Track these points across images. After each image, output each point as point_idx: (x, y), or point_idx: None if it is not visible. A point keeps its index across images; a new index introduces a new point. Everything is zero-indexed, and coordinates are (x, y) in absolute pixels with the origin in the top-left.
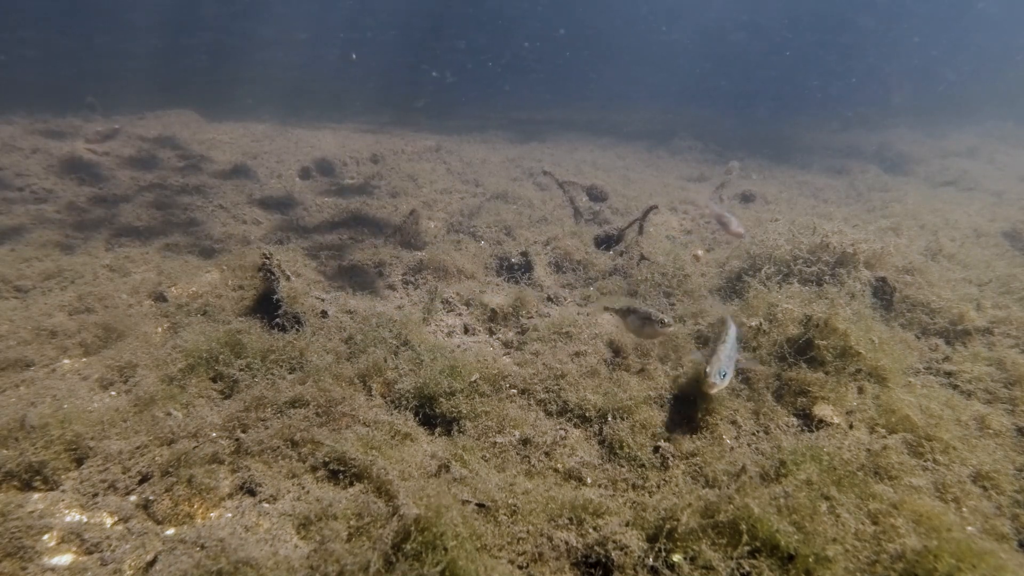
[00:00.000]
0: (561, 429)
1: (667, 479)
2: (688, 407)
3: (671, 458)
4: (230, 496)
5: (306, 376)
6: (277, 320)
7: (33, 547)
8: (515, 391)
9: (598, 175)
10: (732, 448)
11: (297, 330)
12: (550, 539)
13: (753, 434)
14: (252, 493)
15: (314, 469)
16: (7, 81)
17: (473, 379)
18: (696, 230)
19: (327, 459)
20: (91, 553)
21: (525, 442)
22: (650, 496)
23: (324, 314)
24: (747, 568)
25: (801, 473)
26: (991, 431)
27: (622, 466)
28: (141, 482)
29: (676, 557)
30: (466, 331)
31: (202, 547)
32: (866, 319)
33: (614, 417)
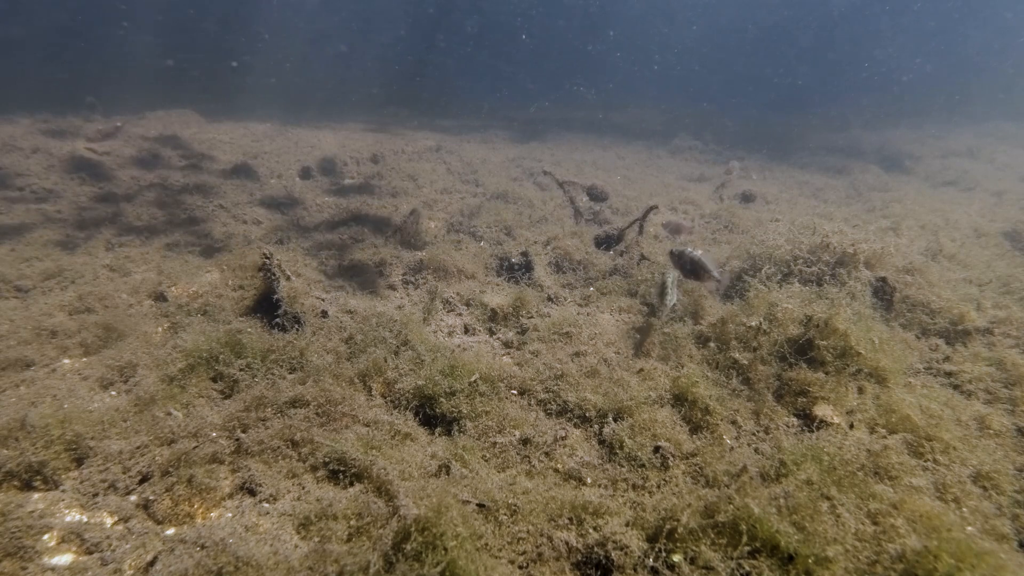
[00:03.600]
0: (561, 429)
1: (667, 479)
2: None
3: (671, 458)
4: (230, 496)
5: (306, 376)
6: (277, 320)
7: (33, 547)
8: (515, 391)
9: (598, 175)
10: (732, 448)
11: (297, 330)
12: (550, 539)
13: (753, 434)
14: (252, 493)
15: (314, 469)
16: (8, 81)
17: (473, 379)
18: (696, 230)
19: (327, 459)
20: (91, 553)
21: (525, 442)
22: (650, 496)
23: (324, 314)
24: (747, 568)
25: (801, 473)
26: (991, 431)
27: (622, 466)
28: (141, 482)
29: (676, 557)
30: (466, 331)
31: (202, 547)
32: (866, 319)
33: (614, 417)
